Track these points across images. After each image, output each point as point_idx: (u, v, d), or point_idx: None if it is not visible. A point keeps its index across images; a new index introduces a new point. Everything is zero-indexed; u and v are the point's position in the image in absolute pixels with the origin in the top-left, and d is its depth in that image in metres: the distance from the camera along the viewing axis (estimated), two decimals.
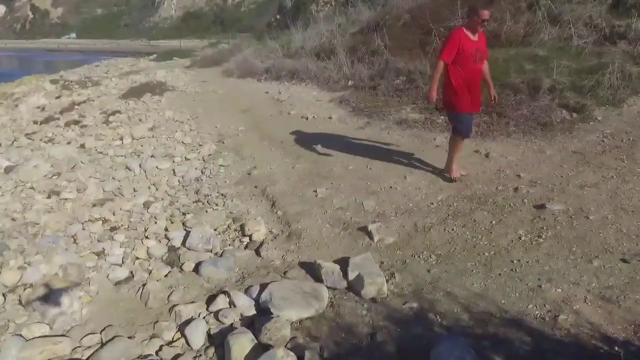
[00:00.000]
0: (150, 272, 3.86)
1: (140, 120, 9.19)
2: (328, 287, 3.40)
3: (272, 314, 3.05)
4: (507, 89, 6.97)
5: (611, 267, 3.50)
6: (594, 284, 3.35)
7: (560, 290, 3.25)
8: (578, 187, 4.63)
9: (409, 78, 8.44)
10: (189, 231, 4.33)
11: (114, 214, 4.87)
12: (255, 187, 5.46)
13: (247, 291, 3.44)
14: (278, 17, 22.80)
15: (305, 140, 6.93)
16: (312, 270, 3.67)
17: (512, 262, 3.66)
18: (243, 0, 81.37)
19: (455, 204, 4.60)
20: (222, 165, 6.26)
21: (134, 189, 5.57)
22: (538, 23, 8.61)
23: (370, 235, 4.14)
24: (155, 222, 4.69)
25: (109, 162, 6.57)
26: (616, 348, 2.70)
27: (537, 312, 3.05)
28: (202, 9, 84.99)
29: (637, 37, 7.27)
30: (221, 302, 3.30)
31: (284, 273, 3.73)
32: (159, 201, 5.21)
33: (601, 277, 3.41)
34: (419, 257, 3.82)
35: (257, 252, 4.08)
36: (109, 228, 4.59)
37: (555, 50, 7.75)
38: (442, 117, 6.71)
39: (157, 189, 5.58)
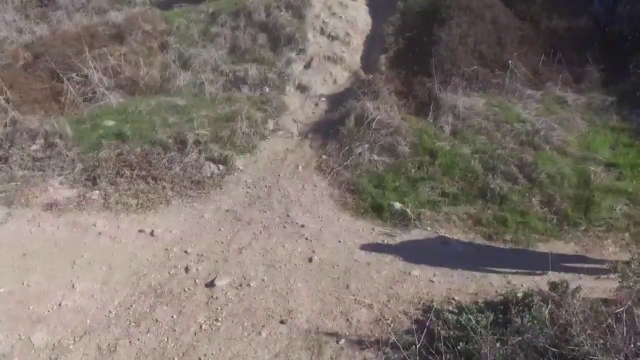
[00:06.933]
0: None
1: None
2: None
3: None
4: (157, 146, 7.11)
5: (275, 332, 4.22)
6: (267, 357, 3.99)
7: None
8: (237, 252, 5.27)
9: (48, 142, 7.49)
10: None
11: None
12: None
13: None
14: None
15: None
16: None
17: (200, 359, 3.98)
18: None
19: (134, 305, 4.57)
20: None
21: None
22: (171, 67, 9.01)
23: None
24: None
25: None
26: None
27: None
28: None
29: (254, 83, 8.57)
30: None
31: None
32: None
33: (270, 346, 4.08)
34: None
35: None
36: None
37: (193, 99, 8.30)
38: (97, 191, 6.35)
39: None
